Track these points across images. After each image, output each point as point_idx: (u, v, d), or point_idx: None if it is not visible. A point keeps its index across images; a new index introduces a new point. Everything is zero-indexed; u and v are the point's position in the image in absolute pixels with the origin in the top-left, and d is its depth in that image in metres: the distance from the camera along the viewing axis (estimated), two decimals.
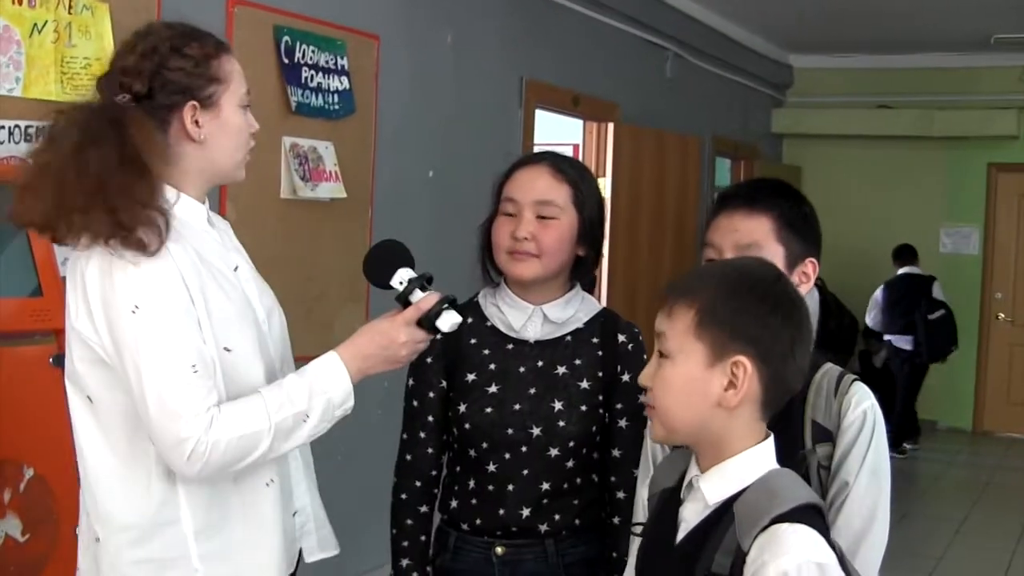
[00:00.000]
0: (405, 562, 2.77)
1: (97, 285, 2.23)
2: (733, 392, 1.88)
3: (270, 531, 2.41)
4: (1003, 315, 11.65)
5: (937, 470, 10.25)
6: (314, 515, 2.59)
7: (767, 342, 1.87)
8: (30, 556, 3.11)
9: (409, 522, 2.79)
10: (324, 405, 2.35)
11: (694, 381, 1.90)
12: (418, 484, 2.80)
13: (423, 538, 2.79)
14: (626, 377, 2.78)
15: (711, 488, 1.92)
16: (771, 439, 1.94)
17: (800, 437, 2.31)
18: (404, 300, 2.44)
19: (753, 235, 2.40)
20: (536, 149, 6.91)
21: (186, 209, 2.38)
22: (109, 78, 2.38)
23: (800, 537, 1.79)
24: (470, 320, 2.79)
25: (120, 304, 2.21)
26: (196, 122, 2.36)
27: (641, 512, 2.26)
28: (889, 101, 11.51)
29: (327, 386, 2.36)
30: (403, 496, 2.81)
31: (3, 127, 3.68)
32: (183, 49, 2.36)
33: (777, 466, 1.93)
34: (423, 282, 2.44)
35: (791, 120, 12.01)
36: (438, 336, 2.46)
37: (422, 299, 2.42)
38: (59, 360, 3.27)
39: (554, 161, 2.79)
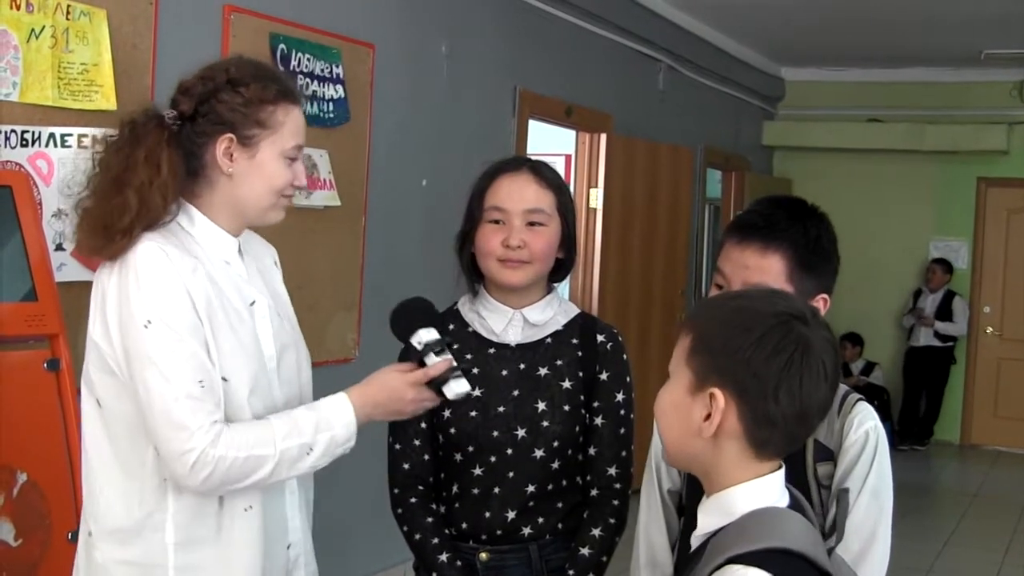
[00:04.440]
0: (443, 557, 2.74)
1: (114, 300, 2.35)
2: (708, 423, 1.82)
3: (243, 554, 2.46)
4: (991, 329, 11.69)
5: (925, 482, 10.27)
6: (305, 551, 2.65)
7: (744, 379, 1.79)
8: (23, 561, 3.11)
9: (430, 520, 2.78)
10: (328, 441, 2.44)
11: (679, 406, 1.87)
12: (422, 488, 2.81)
13: (447, 531, 2.79)
14: (604, 376, 2.80)
15: (705, 518, 1.88)
16: (772, 477, 1.85)
17: (801, 456, 2.30)
18: (420, 361, 2.53)
19: (763, 275, 2.34)
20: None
21: (208, 236, 2.48)
22: (173, 91, 2.50)
23: None
24: (451, 327, 2.82)
25: (133, 318, 2.31)
26: (230, 156, 2.44)
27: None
28: (880, 115, 11.54)
29: (334, 423, 2.45)
30: (413, 500, 2.80)
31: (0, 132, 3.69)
32: (239, 86, 2.44)
33: (779, 505, 1.85)
34: (443, 346, 2.53)
35: (782, 132, 12.03)
36: (448, 399, 2.54)
37: (434, 364, 2.51)
38: (53, 365, 3.29)
39: (534, 168, 2.82)
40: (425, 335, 2.53)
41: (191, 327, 2.33)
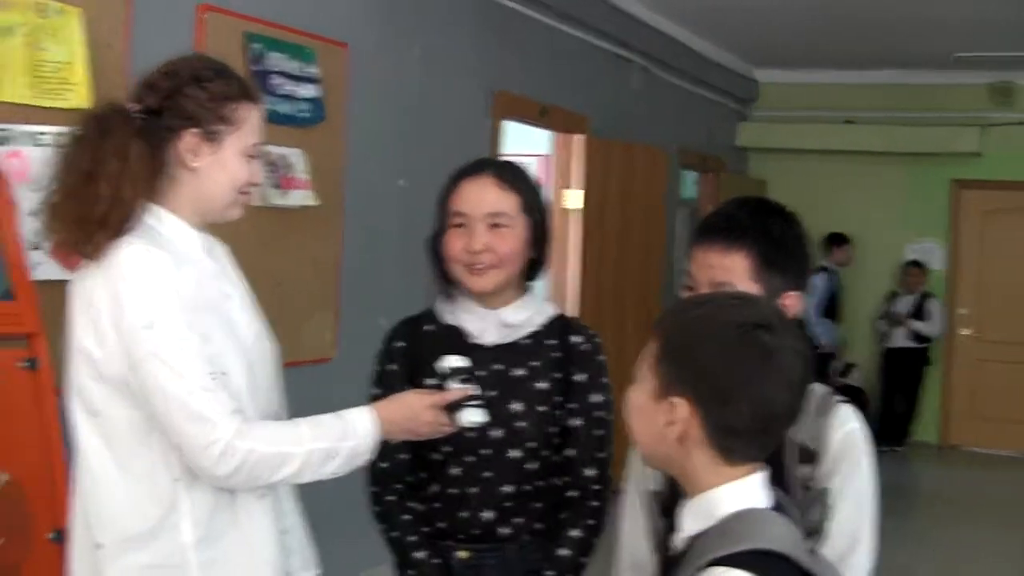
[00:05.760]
0: (420, 554, 2.75)
1: (106, 306, 2.34)
2: (671, 429, 1.83)
3: (264, 542, 2.50)
4: (967, 330, 11.73)
5: (904, 484, 10.30)
6: (299, 535, 2.66)
7: (703, 390, 1.80)
8: (5, 561, 3.09)
9: (406, 517, 2.79)
10: (351, 451, 2.47)
11: (644, 410, 1.88)
12: (399, 487, 2.82)
13: (424, 529, 2.79)
14: (580, 377, 2.80)
15: (687, 520, 1.88)
16: (754, 478, 1.85)
17: (784, 458, 2.28)
18: (442, 386, 2.59)
19: (728, 274, 2.35)
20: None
21: (178, 233, 2.49)
22: (136, 86, 2.52)
23: None
24: (427, 328, 2.84)
25: (134, 322, 2.32)
26: (194, 151, 2.46)
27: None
28: (854, 116, 11.58)
29: (358, 434, 2.48)
30: (389, 498, 2.81)
31: None
32: (204, 82, 2.47)
33: (761, 506, 1.84)
34: (468, 375, 2.59)
35: (756, 134, 12.06)
36: (461, 425, 2.59)
37: (454, 391, 2.56)
38: (31, 364, 3.26)
39: (497, 170, 2.82)
40: (453, 361, 2.59)
41: (190, 323, 2.35)
